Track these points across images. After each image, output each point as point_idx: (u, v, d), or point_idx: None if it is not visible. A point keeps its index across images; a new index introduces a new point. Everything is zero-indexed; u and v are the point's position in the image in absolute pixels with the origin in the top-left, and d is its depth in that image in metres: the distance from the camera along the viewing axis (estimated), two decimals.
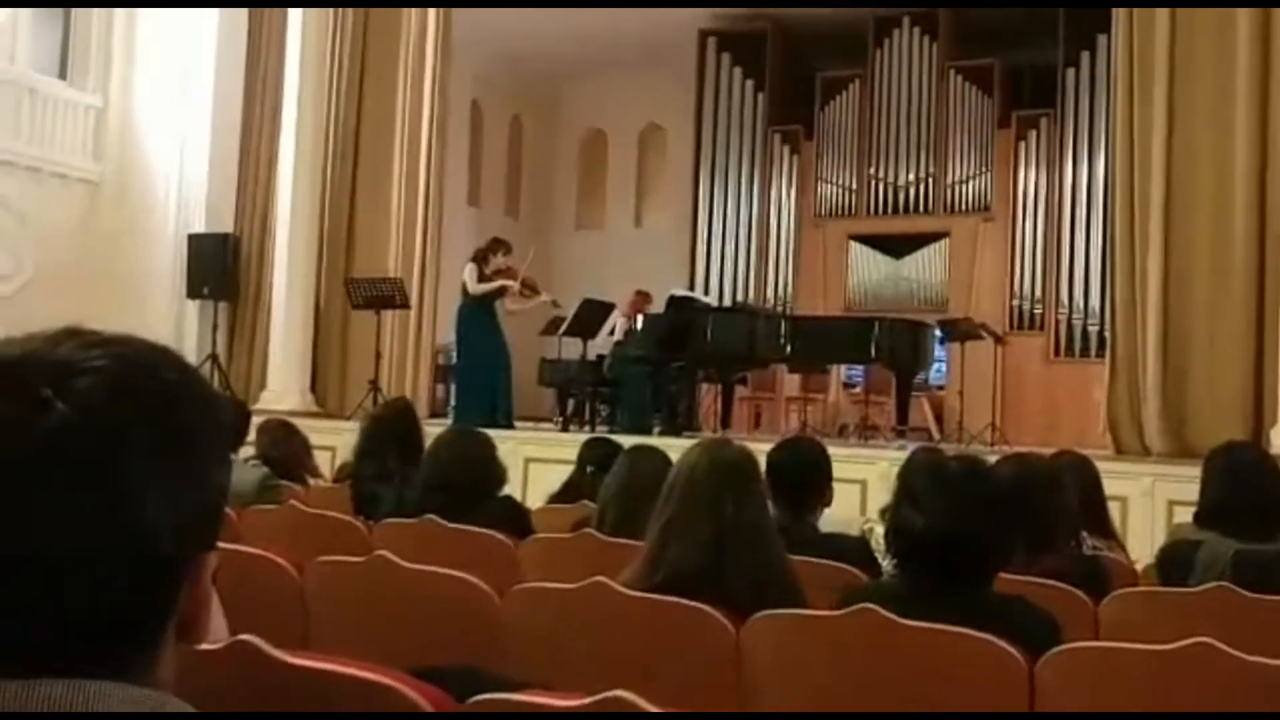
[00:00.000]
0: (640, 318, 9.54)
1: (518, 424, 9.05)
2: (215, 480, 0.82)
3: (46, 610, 0.73)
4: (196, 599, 0.81)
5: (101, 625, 0.75)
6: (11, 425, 0.72)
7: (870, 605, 2.00)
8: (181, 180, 10.44)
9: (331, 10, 10.26)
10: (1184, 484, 6.33)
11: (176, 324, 10.31)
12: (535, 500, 5.03)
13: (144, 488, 0.75)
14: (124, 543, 0.74)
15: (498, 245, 9.09)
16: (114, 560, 0.74)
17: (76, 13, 10.44)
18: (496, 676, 1.62)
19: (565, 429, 9.49)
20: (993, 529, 2.20)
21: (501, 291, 8.92)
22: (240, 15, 10.57)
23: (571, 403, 10.27)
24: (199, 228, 10.37)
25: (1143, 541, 5.55)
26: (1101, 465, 4.21)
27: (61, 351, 0.76)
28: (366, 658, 1.40)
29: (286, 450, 5.01)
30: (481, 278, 8.80)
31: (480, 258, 8.93)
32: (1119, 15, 7.84)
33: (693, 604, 2.15)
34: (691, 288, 12.71)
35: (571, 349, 9.94)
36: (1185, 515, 6.00)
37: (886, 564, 2.68)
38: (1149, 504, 6.38)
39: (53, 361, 0.76)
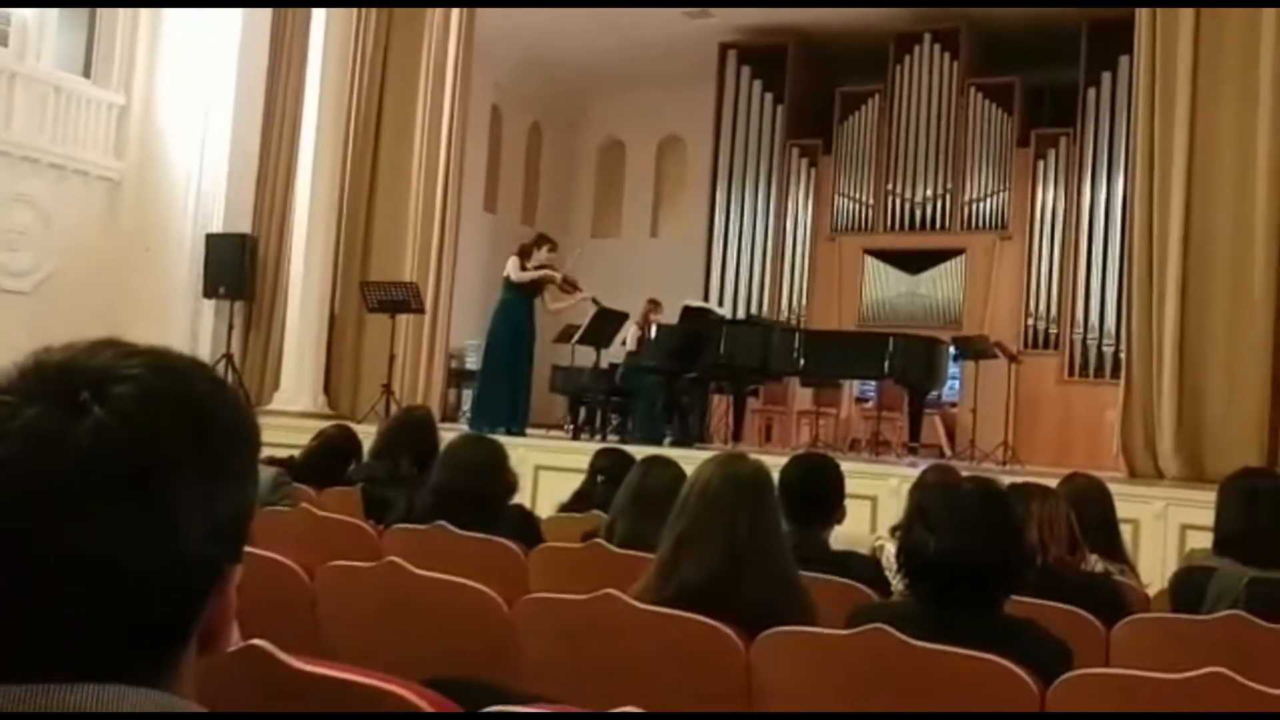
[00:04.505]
0: (654, 327, 9.54)
1: (528, 431, 9.06)
2: (246, 491, 0.82)
3: (76, 615, 0.73)
4: (221, 610, 0.81)
5: (128, 632, 0.75)
6: (51, 430, 0.73)
7: (881, 625, 2.00)
8: (201, 180, 10.49)
9: (355, 14, 10.30)
10: (1198, 509, 6.29)
11: (192, 322, 10.36)
12: (545, 508, 5.03)
13: (178, 496, 0.75)
14: (157, 550, 0.74)
15: (543, 241, 9.13)
16: (146, 567, 0.74)
17: (102, 11, 10.51)
18: (507, 691, 1.62)
19: (576, 437, 9.49)
20: (1005, 552, 2.19)
21: (541, 285, 8.93)
22: (263, 17, 10.63)
23: (583, 411, 10.28)
24: (217, 227, 10.42)
25: (1154, 565, 5.53)
26: (1114, 488, 4.20)
27: (100, 359, 0.77)
28: (375, 664, 1.40)
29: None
30: (524, 270, 8.83)
31: (524, 251, 8.96)
32: (1141, 37, 7.81)
33: (703, 619, 2.14)
34: (706, 299, 12.70)
35: (583, 357, 9.94)
36: (1199, 540, 5.98)
37: (897, 583, 2.67)
38: (1161, 528, 6.34)
39: (91, 368, 0.76)
